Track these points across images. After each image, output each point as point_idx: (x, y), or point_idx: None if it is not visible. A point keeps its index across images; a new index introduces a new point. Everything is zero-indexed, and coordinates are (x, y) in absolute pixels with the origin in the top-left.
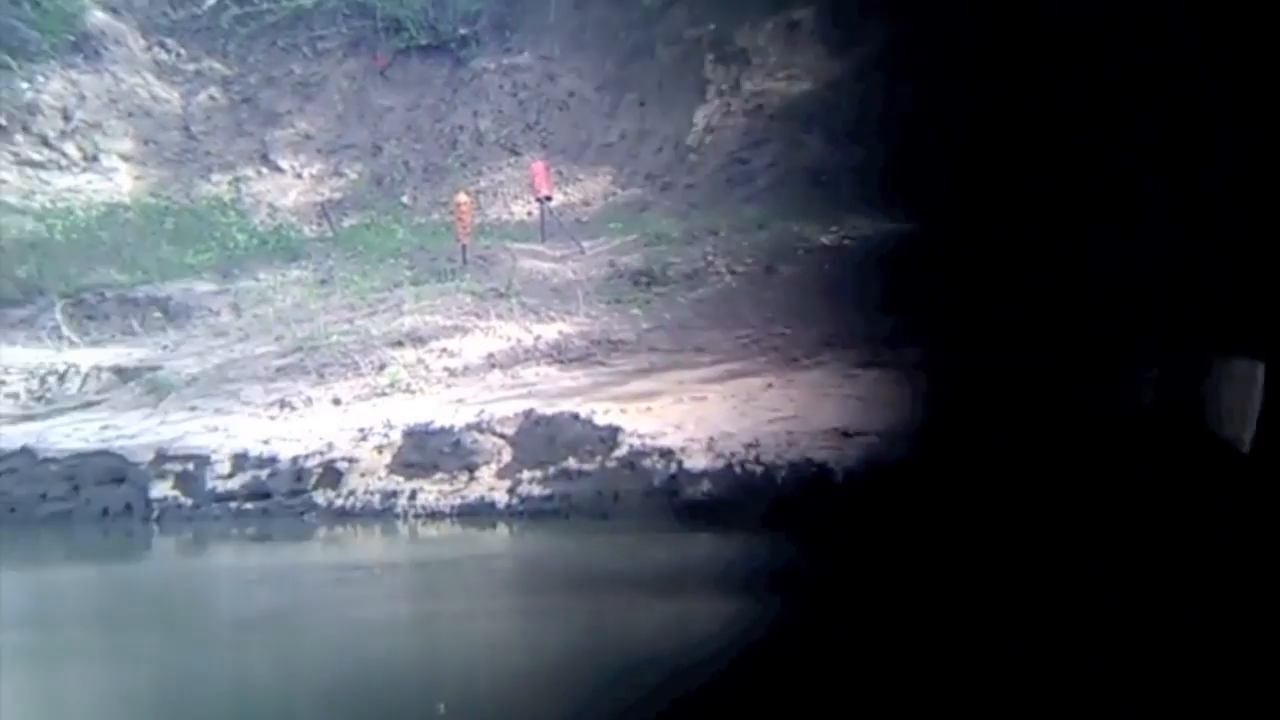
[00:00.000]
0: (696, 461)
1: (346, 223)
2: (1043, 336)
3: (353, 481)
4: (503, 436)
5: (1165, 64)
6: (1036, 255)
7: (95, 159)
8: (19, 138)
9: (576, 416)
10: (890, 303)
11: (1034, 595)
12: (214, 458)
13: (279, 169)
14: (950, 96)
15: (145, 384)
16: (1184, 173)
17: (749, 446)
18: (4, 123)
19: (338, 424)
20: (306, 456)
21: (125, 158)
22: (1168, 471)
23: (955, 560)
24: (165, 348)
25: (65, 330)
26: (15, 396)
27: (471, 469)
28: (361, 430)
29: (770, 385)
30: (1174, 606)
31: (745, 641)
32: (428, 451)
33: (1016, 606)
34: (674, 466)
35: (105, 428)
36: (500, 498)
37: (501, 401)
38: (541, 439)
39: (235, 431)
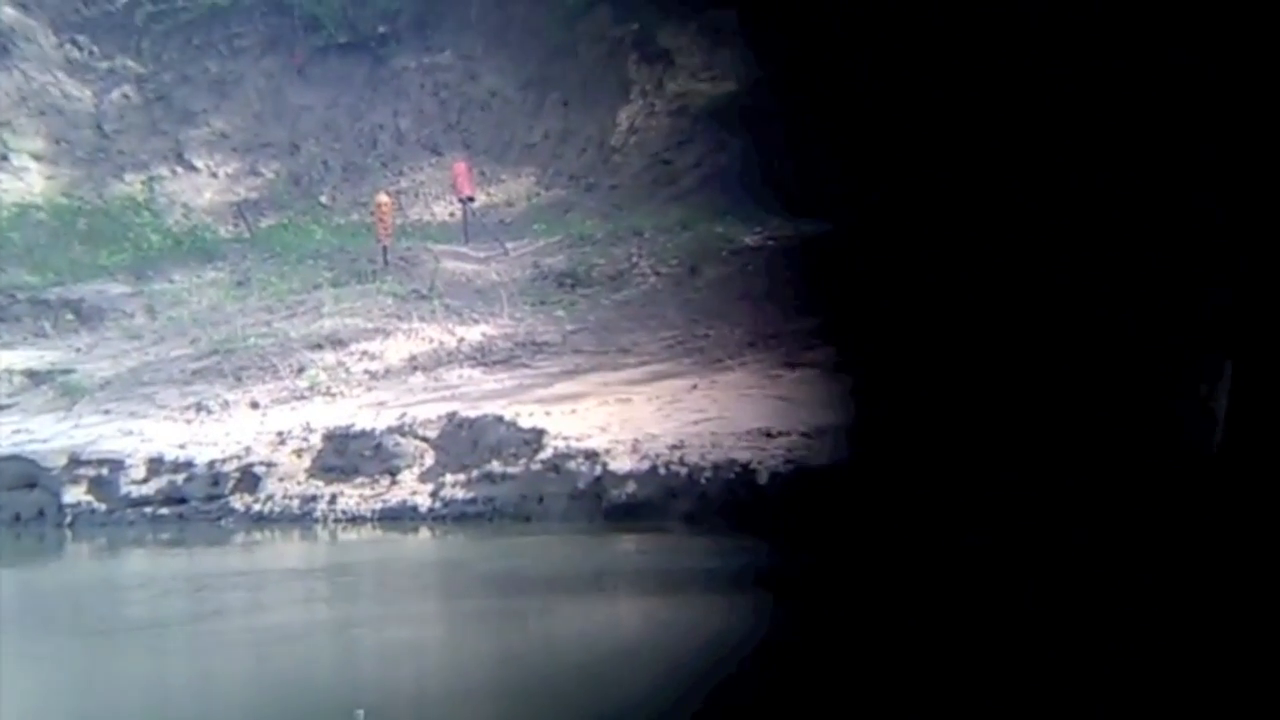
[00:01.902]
0: (621, 463)
1: (264, 223)
2: (966, 331)
3: (271, 486)
4: (425, 440)
5: (1106, 57)
6: (959, 253)
7: (5, 158)
8: None
9: (500, 419)
10: (812, 303)
11: (957, 590)
12: (128, 462)
13: (194, 168)
14: (876, 96)
15: (58, 387)
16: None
17: (674, 448)
18: None
19: (255, 428)
20: (223, 461)
21: (36, 157)
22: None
23: (881, 557)
24: (78, 350)
25: None
26: None
27: (393, 473)
28: (280, 434)
29: (694, 386)
30: (1109, 585)
31: (670, 641)
32: (348, 455)
33: (943, 601)
34: (599, 468)
35: (17, 431)
36: (423, 501)
37: (424, 404)
38: (465, 442)
39: (150, 435)
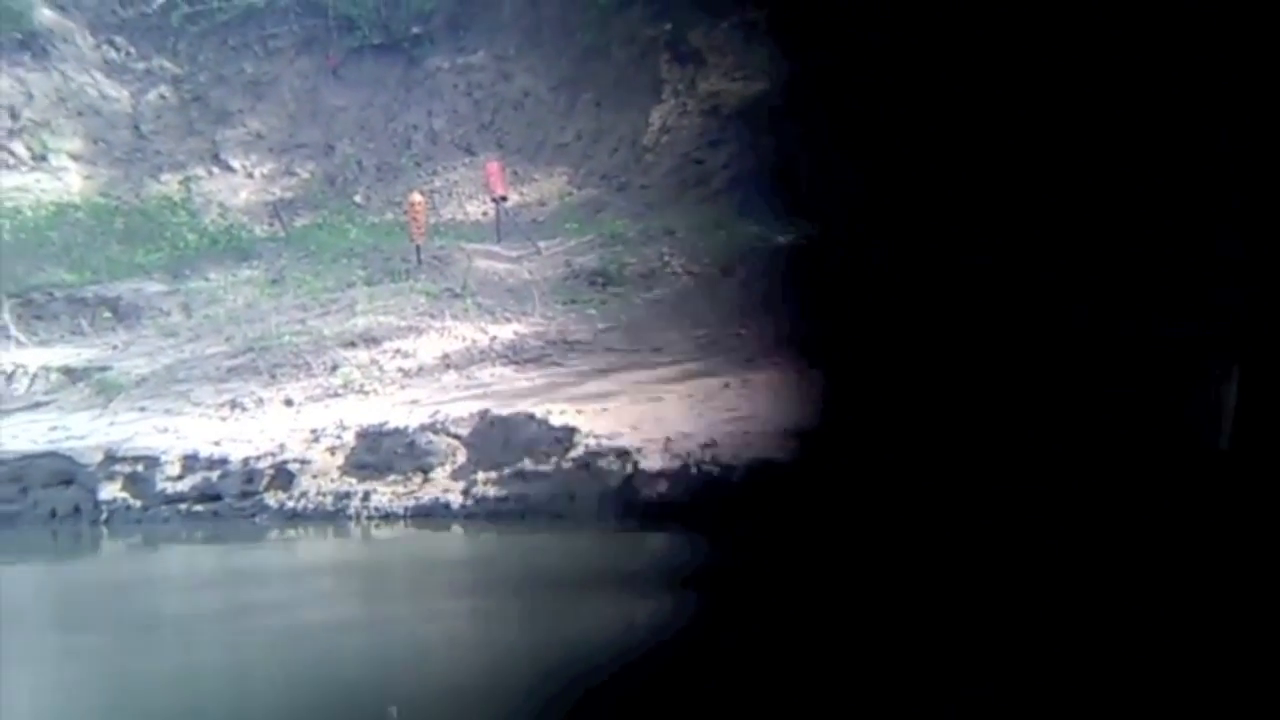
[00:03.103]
0: (653, 462)
1: (298, 222)
2: (1004, 330)
3: (305, 483)
4: (457, 437)
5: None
6: (978, 252)
7: (44, 158)
8: None
9: (532, 417)
10: (844, 303)
11: (991, 594)
12: (164, 459)
13: (230, 168)
14: (908, 96)
15: (94, 384)
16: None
17: (705, 446)
18: None
19: (290, 425)
20: (258, 458)
21: (74, 157)
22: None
23: (912, 560)
24: (115, 348)
25: (13, 330)
26: None
27: (426, 470)
28: (314, 431)
29: (727, 385)
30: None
31: (702, 642)
32: (381, 453)
33: (975, 604)
34: (630, 467)
35: (54, 429)
36: (455, 499)
37: (456, 402)
38: (497, 440)
39: (185, 432)
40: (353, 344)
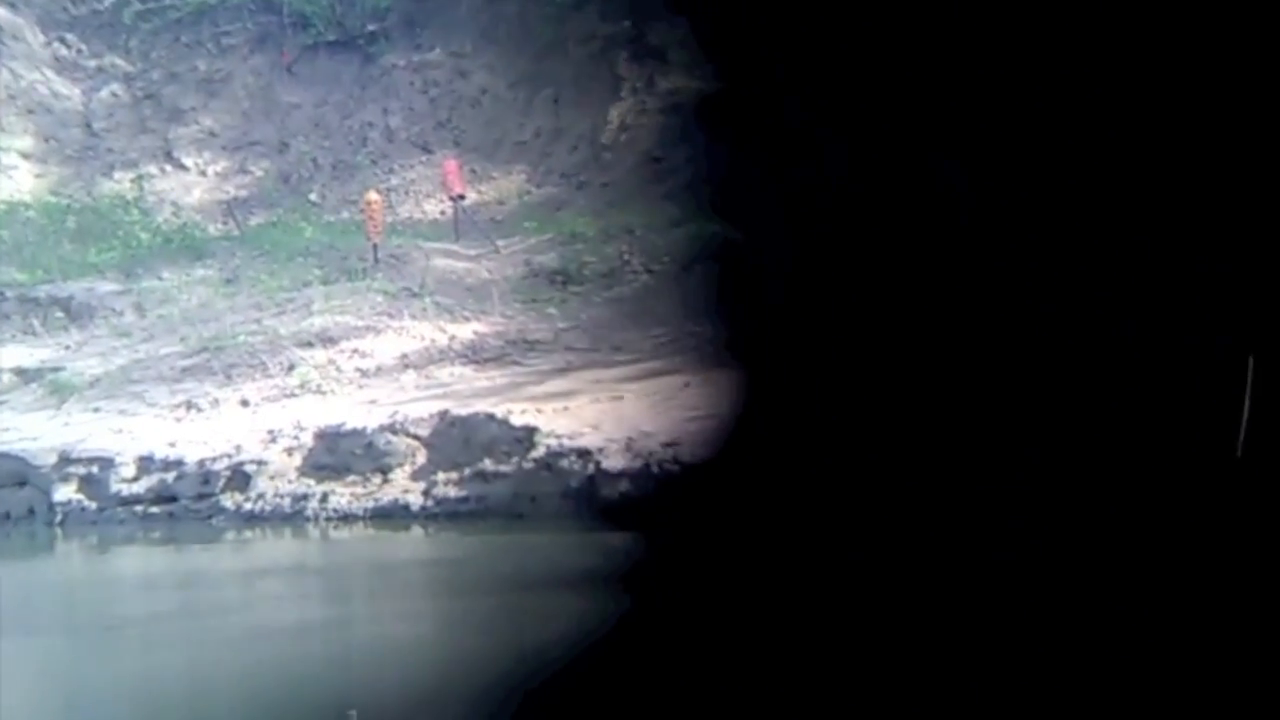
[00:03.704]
0: (614, 461)
1: (253, 221)
2: (955, 328)
3: (262, 484)
4: (417, 438)
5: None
6: (965, 251)
7: None
8: None
9: (492, 417)
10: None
11: (954, 590)
12: (118, 460)
13: (183, 166)
14: (871, 92)
15: (47, 385)
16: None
17: (667, 445)
18: None
19: (246, 426)
20: (214, 459)
21: (25, 155)
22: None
23: (875, 558)
24: (68, 348)
25: None
26: None
27: (385, 471)
28: (271, 432)
29: (688, 384)
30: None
31: (664, 643)
32: (340, 454)
33: (921, 601)
34: (592, 467)
35: (6, 430)
36: (415, 500)
37: (415, 402)
38: (457, 440)
39: (140, 434)
40: (310, 344)
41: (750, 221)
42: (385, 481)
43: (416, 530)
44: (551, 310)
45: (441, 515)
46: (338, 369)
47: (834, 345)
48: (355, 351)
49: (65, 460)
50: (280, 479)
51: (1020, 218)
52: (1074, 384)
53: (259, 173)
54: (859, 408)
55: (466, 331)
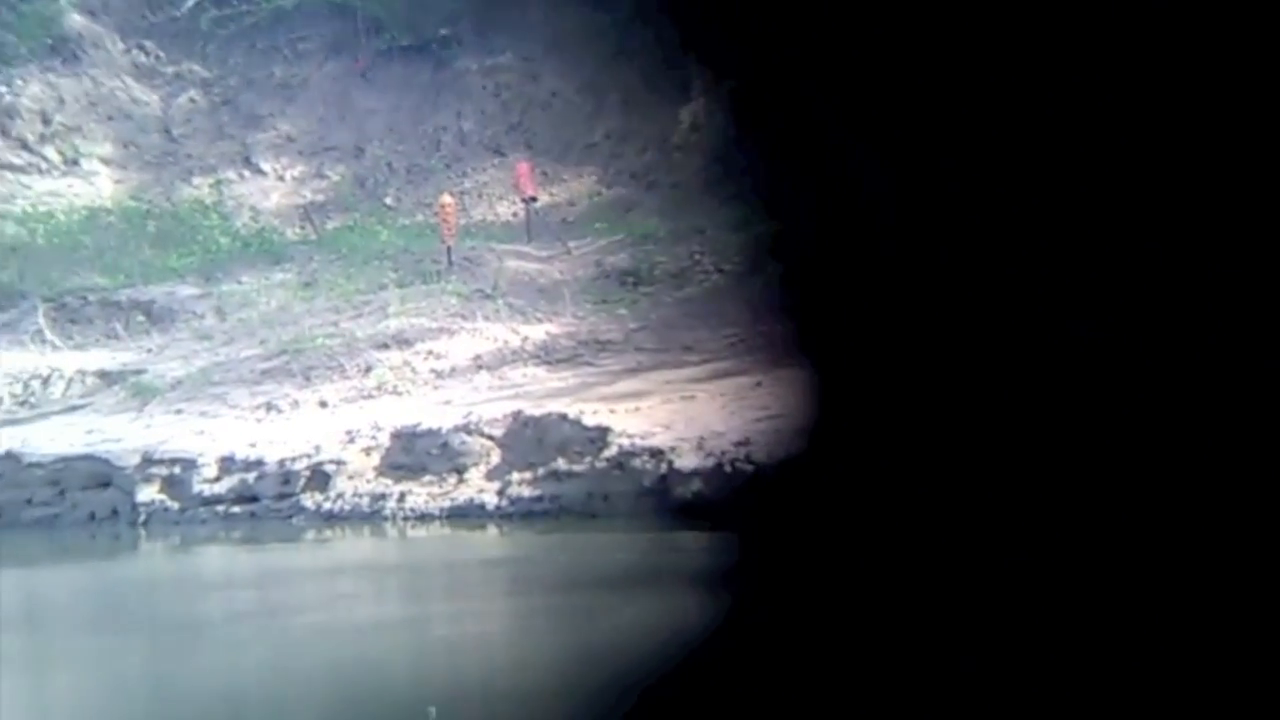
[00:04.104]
0: (687, 461)
1: (330, 225)
2: (1030, 328)
3: (341, 484)
4: (491, 438)
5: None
6: (1026, 249)
7: (75, 162)
8: None
9: (565, 417)
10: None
11: (1036, 594)
12: (200, 461)
13: (261, 171)
14: (933, 91)
15: (130, 387)
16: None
17: (739, 445)
18: None
19: (325, 426)
20: (294, 459)
21: (106, 161)
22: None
23: (947, 557)
24: (149, 351)
25: (48, 334)
26: None
27: (460, 471)
28: (349, 433)
29: (759, 384)
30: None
31: (737, 641)
32: (416, 453)
33: (1012, 604)
34: (664, 466)
35: (90, 432)
36: (490, 499)
37: (489, 403)
38: (530, 440)
39: (221, 435)
40: (385, 345)
41: (789, 218)
42: (461, 481)
43: (492, 530)
44: (622, 311)
45: (516, 515)
46: (413, 370)
47: (902, 344)
48: (430, 353)
49: (148, 461)
50: (359, 478)
51: (1085, 229)
52: (1093, 390)
53: (335, 177)
54: (929, 407)
55: (539, 332)
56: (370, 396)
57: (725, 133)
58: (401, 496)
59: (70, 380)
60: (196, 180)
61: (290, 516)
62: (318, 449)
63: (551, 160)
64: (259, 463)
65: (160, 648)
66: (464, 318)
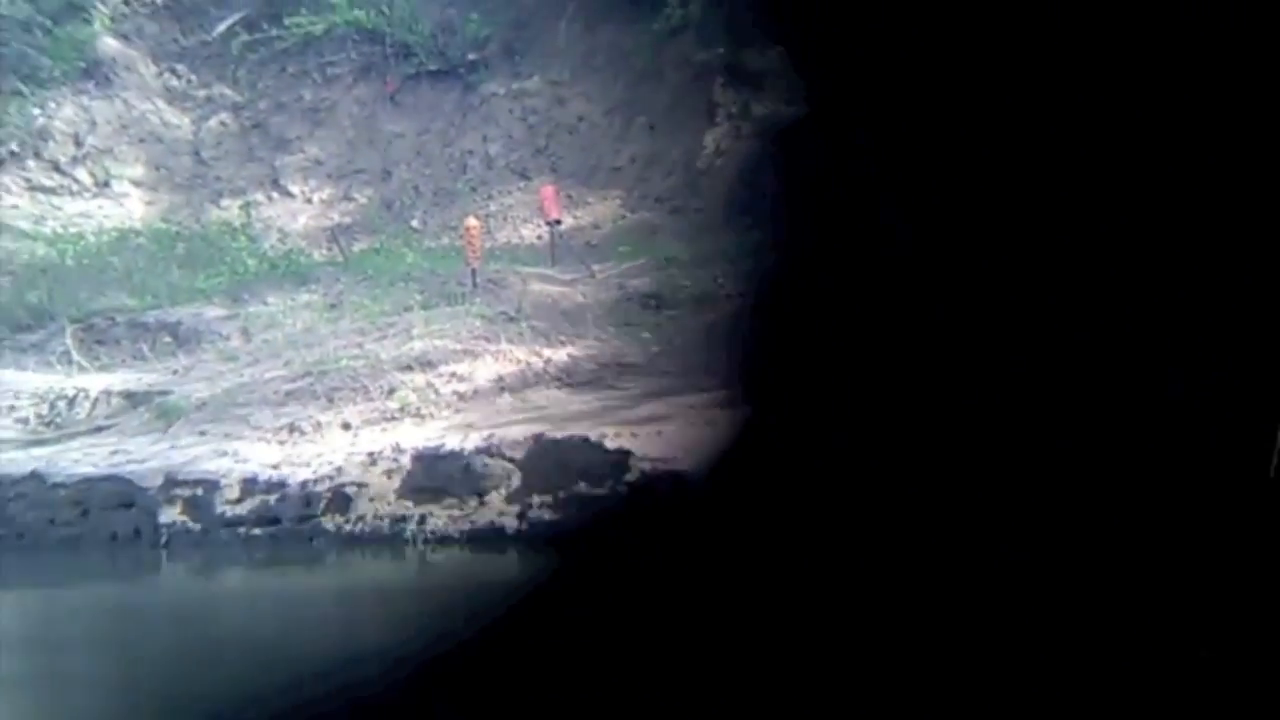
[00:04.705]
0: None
1: (356, 247)
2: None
3: (362, 506)
4: (512, 461)
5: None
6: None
7: (106, 184)
8: (30, 163)
9: (586, 440)
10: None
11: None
12: (223, 483)
13: (289, 194)
14: (962, 114)
15: (155, 409)
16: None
17: None
18: (16, 149)
19: (347, 448)
20: (316, 481)
21: (136, 183)
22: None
23: (947, 557)
24: (175, 372)
25: (75, 355)
26: (24, 421)
27: (481, 494)
28: (371, 455)
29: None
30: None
31: (761, 660)
32: (437, 476)
33: (1013, 604)
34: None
35: (114, 452)
36: (510, 523)
37: (511, 425)
38: (551, 463)
39: (245, 456)
40: (409, 368)
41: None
42: (481, 504)
43: (512, 554)
44: (645, 334)
45: (537, 538)
46: (436, 392)
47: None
48: (453, 375)
49: (171, 482)
50: (380, 501)
51: (1072, 234)
52: (1101, 399)
53: (363, 200)
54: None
55: (561, 355)
56: (393, 419)
57: (749, 159)
58: (422, 519)
59: (96, 401)
60: (225, 202)
61: (311, 539)
62: (339, 471)
63: (577, 184)
64: (281, 484)
65: (186, 669)
66: (488, 340)
